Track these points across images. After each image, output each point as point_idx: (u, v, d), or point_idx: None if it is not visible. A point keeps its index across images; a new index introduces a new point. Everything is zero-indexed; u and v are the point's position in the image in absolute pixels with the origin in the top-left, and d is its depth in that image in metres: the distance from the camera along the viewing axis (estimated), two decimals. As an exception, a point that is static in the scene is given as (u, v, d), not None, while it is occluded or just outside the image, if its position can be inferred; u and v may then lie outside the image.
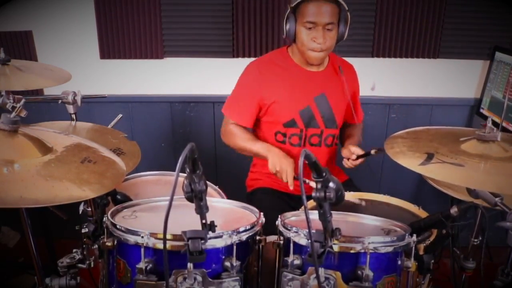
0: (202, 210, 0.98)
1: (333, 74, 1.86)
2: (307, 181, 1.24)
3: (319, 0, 1.63)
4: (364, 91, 1.99)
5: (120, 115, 1.95)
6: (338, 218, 1.26)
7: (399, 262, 1.15)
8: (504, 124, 2.16)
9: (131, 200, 1.33)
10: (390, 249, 1.11)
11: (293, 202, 1.87)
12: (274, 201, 1.84)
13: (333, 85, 1.85)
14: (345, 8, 1.68)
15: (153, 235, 1.07)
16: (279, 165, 1.67)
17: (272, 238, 1.24)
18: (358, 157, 1.76)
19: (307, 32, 1.68)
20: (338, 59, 1.91)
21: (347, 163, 1.82)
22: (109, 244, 1.13)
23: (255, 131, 1.91)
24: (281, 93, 1.79)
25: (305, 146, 1.85)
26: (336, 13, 1.67)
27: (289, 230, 1.16)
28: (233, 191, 1.58)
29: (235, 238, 1.10)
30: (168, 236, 1.03)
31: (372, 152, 1.71)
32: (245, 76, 1.84)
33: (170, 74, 2.50)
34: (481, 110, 2.43)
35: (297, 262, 1.12)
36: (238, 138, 1.82)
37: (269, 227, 1.26)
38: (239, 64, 1.93)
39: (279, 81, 1.79)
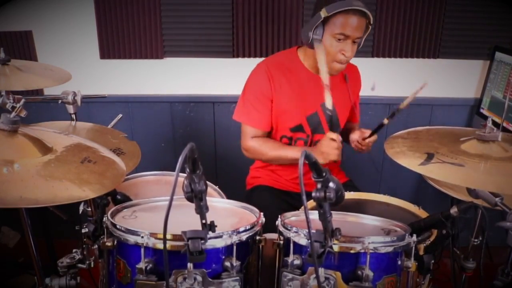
0: (202, 210, 0.97)
1: (339, 80, 1.82)
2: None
3: (355, 13, 1.57)
4: (364, 91, 1.99)
5: (120, 115, 1.95)
6: (338, 218, 1.26)
7: (399, 262, 1.15)
8: (504, 124, 2.16)
9: (131, 200, 1.33)
10: (390, 249, 1.11)
11: (292, 200, 1.87)
12: (273, 199, 1.84)
13: (339, 91, 1.80)
14: (371, 22, 1.64)
15: (153, 235, 1.07)
16: (327, 158, 1.63)
17: (271, 235, 1.24)
18: (373, 132, 1.71)
19: (336, 44, 1.61)
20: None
21: (360, 145, 1.76)
22: (109, 244, 1.13)
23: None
24: (290, 98, 1.75)
25: None
26: (365, 26, 1.64)
27: (289, 230, 1.16)
28: (233, 191, 1.58)
29: (235, 238, 1.10)
30: (168, 236, 1.03)
31: (385, 121, 1.66)
32: (255, 79, 1.77)
33: (170, 74, 2.50)
34: (481, 110, 2.43)
35: (297, 262, 1.12)
36: (267, 151, 1.77)
37: (268, 225, 1.26)
38: (239, 64, 1.93)
39: (288, 85, 1.74)
